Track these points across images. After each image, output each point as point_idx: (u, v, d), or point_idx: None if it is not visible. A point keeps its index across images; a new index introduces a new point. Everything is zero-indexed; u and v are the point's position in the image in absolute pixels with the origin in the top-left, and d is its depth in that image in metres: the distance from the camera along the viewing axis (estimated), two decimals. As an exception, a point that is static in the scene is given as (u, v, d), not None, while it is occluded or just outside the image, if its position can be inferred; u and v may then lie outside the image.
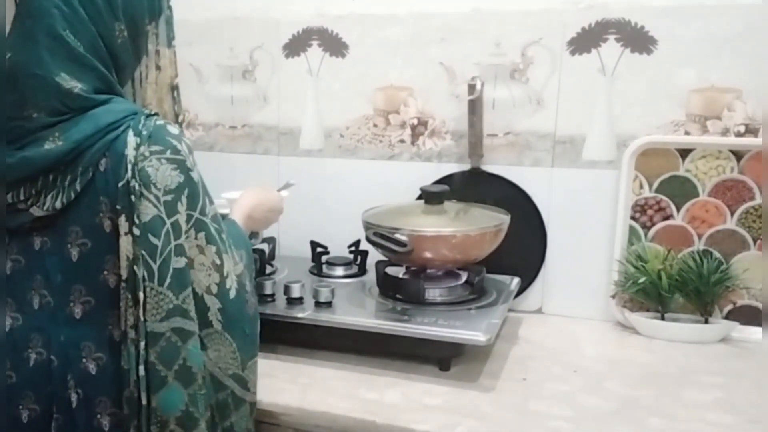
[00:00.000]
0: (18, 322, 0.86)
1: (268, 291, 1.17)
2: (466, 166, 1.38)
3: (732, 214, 1.23)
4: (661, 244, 1.26)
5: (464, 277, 1.23)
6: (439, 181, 1.38)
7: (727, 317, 1.24)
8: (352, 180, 1.47)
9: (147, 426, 0.80)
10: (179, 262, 0.81)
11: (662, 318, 1.25)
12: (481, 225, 1.19)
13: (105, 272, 0.83)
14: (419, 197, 1.31)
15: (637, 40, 1.24)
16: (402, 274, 1.25)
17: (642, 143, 1.25)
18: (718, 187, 1.23)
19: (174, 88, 0.95)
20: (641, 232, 1.28)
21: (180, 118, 0.95)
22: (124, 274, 0.80)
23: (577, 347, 1.20)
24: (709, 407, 0.97)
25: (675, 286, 1.22)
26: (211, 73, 1.58)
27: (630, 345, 1.21)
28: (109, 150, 0.81)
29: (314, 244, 1.40)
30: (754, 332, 1.21)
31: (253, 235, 1.28)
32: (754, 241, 1.22)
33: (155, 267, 0.79)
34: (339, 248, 1.38)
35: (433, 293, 1.18)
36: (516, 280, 1.29)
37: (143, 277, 0.79)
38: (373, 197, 1.34)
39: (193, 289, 0.83)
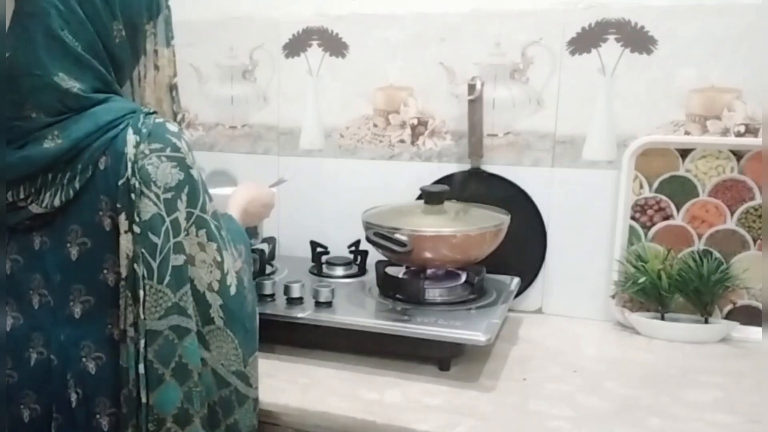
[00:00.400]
0: (18, 322, 0.86)
1: (268, 291, 1.17)
2: (466, 166, 1.38)
3: (732, 214, 1.23)
4: (661, 244, 1.26)
5: (464, 277, 1.23)
6: (439, 181, 1.38)
7: (727, 317, 1.24)
8: (352, 180, 1.47)
9: (145, 424, 0.80)
10: (178, 260, 0.81)
11: (662, 318, 1.25)
12: (481, 225, 1.19)
13: (104, 271, 0.83)
14: (419, 197, 1.31)
15: (637, 40, 1.24)
16: (402, 274, 1.25)
17: (642, 143, 1.25)
18: (718, 187, 1.23)
19: (173, 87, 0.95)
20: (641, 232, 1.28)
21: (179, 118, 0.95)
22: (123, 272, 0.80)
23: (577, 347, 1.20)
24: (709, 407, 0.97)
25: (675, 286, 1.22)
26: (211, 73, 1.58)
27: (630, 345, 1.21)
28: (108, 148, 0.81)
29: (314, 244, 1.40)
30: (754, 332, 1.21)
31: (254, 234, 1.29)
32: (754, 241, 1.22)
33: (155, 265, 0.79)
34: (339, 248, 1.38)
35: (433, 293, 1.18)
36: (516, 280, 1.29)
37: (143, 275, 0.79)
38: (373, 197, 1.34)
39: (195, 287, 0.83)
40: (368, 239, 1.19)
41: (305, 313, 1.12)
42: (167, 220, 0.80)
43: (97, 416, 0.84)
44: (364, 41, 1.43)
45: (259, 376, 0.92)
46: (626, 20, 1.24)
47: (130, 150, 0.80)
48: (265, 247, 1.29)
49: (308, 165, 1.51)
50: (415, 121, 1.42)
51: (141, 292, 0.79)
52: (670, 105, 1.24)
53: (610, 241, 1.29)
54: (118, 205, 0.80)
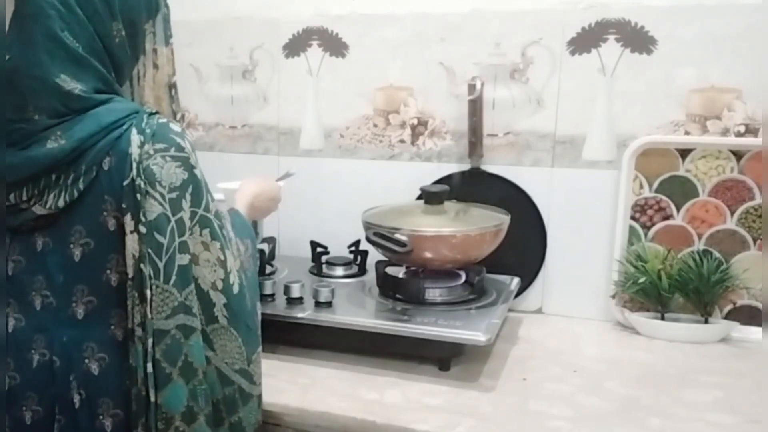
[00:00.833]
0: (21, 323, 0.86)
1: (268, 291, 1.17)
2: (466, 166, 1.38)
3: (732, 214, 1.23)
4: (661, 244, 1.26)
5: (464, 277, 1.23)
6: (439, 181, 1.38)
7: (727, 317, 1.24)
8: (352, 180, 1.47)
9: (154, 423, 0.81)
10: (183, 259, 0.81)
11: (662, 318, 1.25)
12: (481, 225, 1.19)
13: (108, 272, 0.83)
14: (419, 197, 1.31)
15: (637, 40, 1.24)
16: (402, 274, 1.25)
17: (642, 143, 1.25)
18: (718, 187, 1.23)
19: (172, 86, 0.94)
20: (641, 232, 1.28)
21: (178, 117, 0.95)
22: (130, 272, 0.80)
23: (577, 347, 1.20)
24: (709, 407, 0.97)
25: (675, 286, 1.22)
26: (211, 73, 1.58)
27: (630, 345, 1.21)
28: (112, 149, 0.81)
29: (314, 244, 1.40)
30: (754, 332, 1.21)
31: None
32: (754, 241, 1.22)
33: (161, 265, 0.80)
34: (339, 248, 1.38)
35: (433, 293, 1.18)
36: (516, 280, 1.29)
37: (149, 275, 0.79)
38: (373, 197, 1.34)
39: (199, 286, 0.83)
40: (368, 239, 1.19)
41: (305, 313, 1.12)
42: (172, 219, 0.80)
43: (101, 417, 0.83)
44: (364, 41, 1.43)
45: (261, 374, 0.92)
46: (626, 20, 1.24)
47: (134, 150, 0.80)
48: (265, 247, 1.29)
49: (308, 165, 1.51)
50: (415, 121, 1.42)
51: (148, 292, 0.79)
52: (670, 105, 1.24)
53: (610, 241, 1.29)
54: (124, 206, 0.80)
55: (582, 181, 1.31)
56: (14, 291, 0.86)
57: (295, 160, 1.51)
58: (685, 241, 1.26)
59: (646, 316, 1.25)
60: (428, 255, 1.18)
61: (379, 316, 1.13)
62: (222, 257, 0.85)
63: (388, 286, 1.21)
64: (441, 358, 1.09)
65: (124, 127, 0.81)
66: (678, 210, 1.26)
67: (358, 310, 1.16)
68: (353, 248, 1.37)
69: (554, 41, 1.29)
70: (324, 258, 1.37)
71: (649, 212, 1.27)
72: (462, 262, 1.22)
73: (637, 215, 1.28)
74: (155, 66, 0.92)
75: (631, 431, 0.91)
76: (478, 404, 0.98)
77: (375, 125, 1.45)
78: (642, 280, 1.23)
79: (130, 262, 0.80)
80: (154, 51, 0.91)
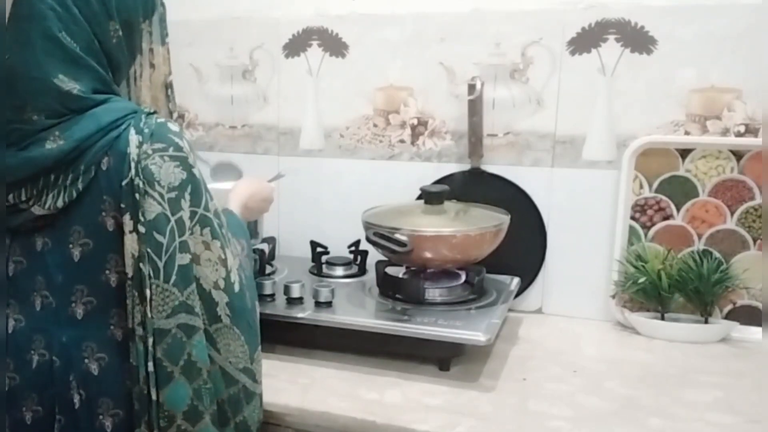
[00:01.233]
0: (20, 324, 0.86)
1: (268, 291, 1.17)
2: (466, 166, 1.38)
3: (732, 214, 1.23)
4: (661, 244, 1.26)
5: (464, 277, 1.23)
6: (439, 181, 1.38)
7: (727, 317, 1.24)
8: (352, 180, 1.47)
9: (157, 421, 0.81)
10: (184, 259, 0.81)
11: (662, 318, 1.25)
12: (481, 225, 1.19)
13: (107, 271, 0.83)
14: (419, 197, 1.31)
15: (637, 40, 1.24)
16: (402, 274, 1.25)
17: (642, 143, 1.25)
18: (718, 187, 1.23)
19: (168, 86, 0.95)
20: (641, 232, 1.28)
21: (174, 116, 0.95)
22: (129, 272, 0.80)
23: (577, 347, 1.20)
24: (709, 407, 0.97)
25: (675, 286, 1.22)
26: (211, 73, 1.58)
27: (630, 345, 1.21)
28: (111, 148, 0.81)
29: (314, 244, 1.40)
30: (754, 332, 1.21)
31: (254, 234, 1.29)
32: (754, 241, 1.22)
33: (161, 264, 0.80)
34: (339, 248, 1.38)
35: (433, 293, 1.18)
36: (516, 280, 1.29)
37: (149, 274, 0.79)
38: (373, 197, 1.34)
39: (201, 285, 0.83)
40: (368, 239, 1.19)
41: (305, 313, 1.12)
42: (172, 219, 0.80)
43: (101, 417, 0.84)
44: (364, 41, 1.43)
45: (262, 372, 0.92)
46: (626, 20, 1.24)
47: (133, 150, 0.80)
48: (265, 247, 1.29)
49: (308, 165, 1.51)
50: (415, 121, 1.42)
51: (148, 291, 0.79)
52: (670, 105, 1.24)
53: (610, 241, 1.29)
54: (122, 205, 0.80)
55: (582, 181, 1.31)
56: (15, 291, 0.86)
57: (295, 160, 1.51)
58: (685, 241, 1.26)
59: (646, 316, 1.25)
60: (428, 255, 1.18)
61: (379, 316, 1.13)
62: (223, 256, 0.85)
63: (388, 286, 1.21)
64: (441, 358, 1.09)
65: (123, 127, 0.81)
66: (678, 210, 1.26)
67: (358, 310, 1.17)
68: (353, 248, 1.36)
69: (554, 41, 1.29)
70: (324, 258, 1.37)
71: (649, 212, 1.27)
72: (462, 262, 1.22)
73: (637, 215, 1.28)
74: (152, 65, 0.92)
75: (631, 431, 0.91)
76: (478, 404, 0.98)
77: (375, 125, 1.45)
78: (642, 280, 1.23)
79: (129, 261, 0.80)
80: (151, 51, 0.92)
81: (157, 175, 0.80)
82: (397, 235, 1.15)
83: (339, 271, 1.34)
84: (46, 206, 0.82)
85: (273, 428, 0.98)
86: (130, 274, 0.80)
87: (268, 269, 1.33)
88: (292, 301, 1.15)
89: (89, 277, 0.83)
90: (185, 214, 0.81)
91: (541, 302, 1.37)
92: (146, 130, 0.81)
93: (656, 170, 1.26)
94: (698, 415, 0.95)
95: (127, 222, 0.80)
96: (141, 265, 0.79)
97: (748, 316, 1.23)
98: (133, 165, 0.80)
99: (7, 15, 0.83)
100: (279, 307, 1.15)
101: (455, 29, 1.35)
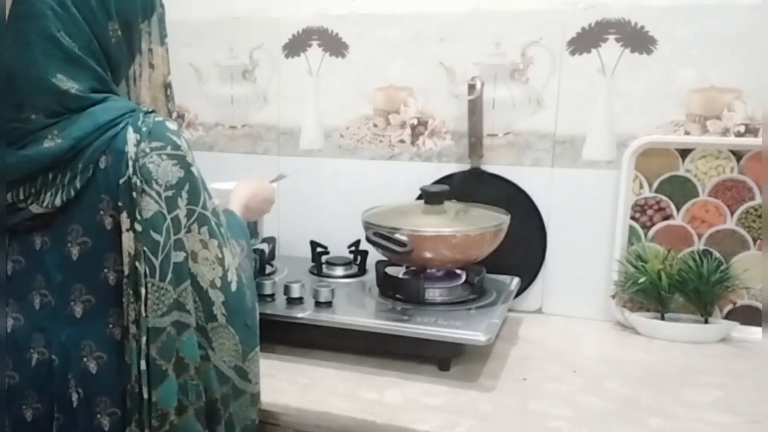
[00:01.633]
0: (20, 323, 0.86)
1: (268, 291, 1.17)
2: (466, 166, 1.38)
3: (732, 214, 1.23)
4: (661, 244, 1.26)
5: (464, 277, 1.23)
6: (439, 181, 1.38)
7: (727, 317, 1.24)
8: (352, 180, 1.47)
9: (148, 420, 0.81)
10: (178, 257, 0.81)
11: (662, 318, 1.25)
12: (481, 225, 1.19)
13: (105, 270, 0.83)
14: (419, 197, 1.31)
15: (637, 40, 1.24)
16: (402, 274, 1.25)
17: (642, 143, 1.25)
18: (718, 187, 1.23)
19: (167, 86, 0.95)
20: (641, 232, 1.28)
21: (174, 116, 0.95)
22: (126, 270, 0.81)
23: (577, 347, 1.20)
24: (709, 407, 0.97)
25: (675, 286, 1.22)
26: (211, 73, 1.58)
27: (630, 345, 1.21)
28: (109, 147, 0.81)
29: (314, 244, 1.40)
30: (754, 332, 1.21)
31: (254, 234, 1.29)
32: (754, 241, 1.22)
33: (157, 263, 0.80)
34: (339, 248, 1.38)
35: (433, 293, 1.18)
36: (516, 280, 1.29)
37: (145, 273, 0.79)
38: (373, 197, 1.34)
39: (198, 284, 0.83)
40: (368, 239, 1.19)
41: (305, 313, 1.12)
42: (168, 217, 0.81)
43: (98, 416, 0.84)
44: (364, 41, 1.43)
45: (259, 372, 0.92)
46: (626, 20, 1.24)
47: (130, 149, 0.80)
48: (265, 247, 1.29)
49: (308, 165, 1.51)
50: (415, 121, 1.42)
51: (143, 290, 0.80)
52: (670, 105, 1.24)
53: (610, 241, 1.29)
54: (120, 204, 0.80)
55: (582, 181, 1.31)
56: (14, 290, 0.86)
57: (295, 160, 1.51)
58: (685, 241, 1.26)
59: (646, 316, 1.25)
60: (428, 255, 1.18)
61: (379, 316, 1.13)
62: (220, 255, 0.85)
63: (388, 286, 1.21)
64: (441, 358, 1.09)
65: (121, 125, 0.81)
66: (678, 210, 1.26)
67: (358, 310, 1.16)
68: (353, 248, 1.36)
69: (554, 41, 1.29)
70: (324, 258, 1.37)
71: (649, 212, 1.27)
72: (462, 262, 1.22)
73: (637, 215, 1.28)
74: (151, 65, 0.92)
75: (631, 431, 0.91)
76: (478, 404, 0.98)
77: (375, 125, 1.45)
78: (642, 280, 1.23)
79: (126, 260, 0.80)
80: (150, 51, 0.91)
81: (155, 174, 0.80)
82: (397, 235, 1.15)
83: (339, 271, 1.34)
84: (44, 205, 0.82)
85: (273, 428, 0.98)
86: (126, 273, 0.81)
87: (268, 269, 1.33)
88: (292, 301, 1.15)
89: (88, 275, 0.83)
90: (181, 212, 0.81)
91: (541, 302, 1.37)
92: (144, 129, 0.81)
93: (656, 170, 1.26)
94: (698, 415, 0.95)
95: (125, 220, 0.80)
96: (137, 263, 0.80)
97: (748, 316, 1.23)
98: (130, 163, 0.80)
99: (6, 14, 0.83)
100: (279, 307, 1.15)
101: (455, 29, 1.36)
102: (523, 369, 1.10)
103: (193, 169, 0.83)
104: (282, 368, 1.09)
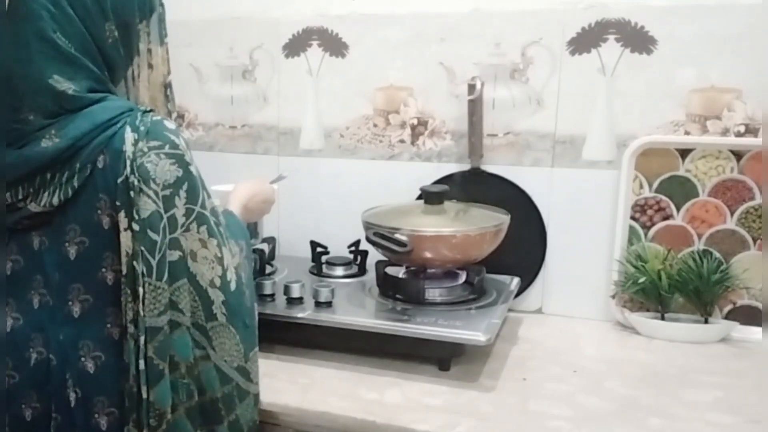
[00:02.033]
0: (18, 322, 0.86)
1: (268, 291, 1.17)
2: (466, 166, 1.38)
3: (732, 214, 1.23)
4: (661, 244, 1.26)
5: (464, 277, 1.23)
6: (439, 181, 1.38)
7: (727, 317, 1.24)
8: (352, 180, 1.47)
9: (147, 419, 0.81)
10: (173, 256, 0.81)
11: (662, 318, 1.25)
12: (481, 225, 1.19)
13: (103, 270, 0.83)
14: (419, 197, 1.31)
15: (637, 40, 1.24)
16: (402, 274, 1.25)
17: (642, 143, 1.25)
18: (718, 187, 1.23)
19: (167, 86, 0.94)
20: (641, 232, 1.28)
21: (173, 116, 0.95)
22: (123, 269, 0.81)
23: (577, 347, 1.20)
24: (709, 407, 0.97)
25: (675, 286, 1.22)
26: (211, 73, 1.58)
27: (630, 345, 1.21)
28: (106, 147, 0.81)
29: (314, 244, 1.40)
30: (754, 332, 1.21)
31: (254, 234, 1.29)
32: (754, 241, 1.22)
33: (154, 262, 0.80)
34: (339, 248, 1.38)
35: (433, 293, 1.18)
36: (516, 280, 1.29)
37: (142, 272, 0.79)
38: (373, 197, 1.34)
39: (198, 283, 0.83)
40: (368, 239, 1.19)
41: (305, 313, 1.12)
42: (165, 216, 0.81)
43: (96, 415, 0.84)
44: (364, 41, 1.43)
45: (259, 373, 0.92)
46: (626, 20, 1.24)
47: (128, 148, 0.80)
48: (265, 247, 1.29)
49: (308, 165, 1.51)
50: (415, 121, 1.42)
51: (140, 289, 0.80)
52: (670, 105, 1.24)
53: (610, 241, 1.29)
54: (117, 203, 0.80)
55: (582, 181, 1.31)
56: (12, 290, 0.86)
57: (295, 160, 1.52)
58: (685, 241, 1.26)
59: (646, 316, 1.25)
60: (428, 255, 1.18)
61: (379, 316, 1.13)
62: (219, 254, 0.85)
63: (388, 286, 1.21)
64: (441, 358, 1.09)
65: (119, 125, 0.81)
66: (678, 210, 1.26)
67: (358, 310, 1.16)
68: (353, 248, 1.36)
69: (554, 41, 1.29)
70: (324, 258, 1.37)
71: (649, 212, 1.27)
72: (462, 262, 1.22)
73: (637, 215, 1.28)
74: (150, 66, 0.92)
75: (631, 431, 0.91)
76: (478, 404, 0.98)
77: (375, 125, 1.45)
78: (642, 280, 1.23)
79: (123, 259, 0.80)
80: (149, 51, 0.91)
81: (153, 173, 0.80)
82: (397, 235, 1.15)
83: (339, 271, 1.34)
84: (42, 204, 0.82)
85: (273, 428, 0.98)
86: (123, 272, 0.81)
87: (268, 269, 1.33)
88: (292, 301, 1.15)
89: (86, 275, 0.83)
90: (179, 212, 0.81)
91: (541, 302, 1.37)
92: (142, 128, 0.81)
93: (656, 170, 1.26)
94: (698, 415, 0.95)
95: (122, 220, 0.80)
96: (135, 263, 0.80)
97: (748, 316, 1.23)
98: (128, 163, 0.79)
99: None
100: (279, 307, 1.15)
101: (455, 29, 1.36)
102: (523, 369, 1.10)
103: (192, 168, 0.83)
104: (282, 368, 1.09)
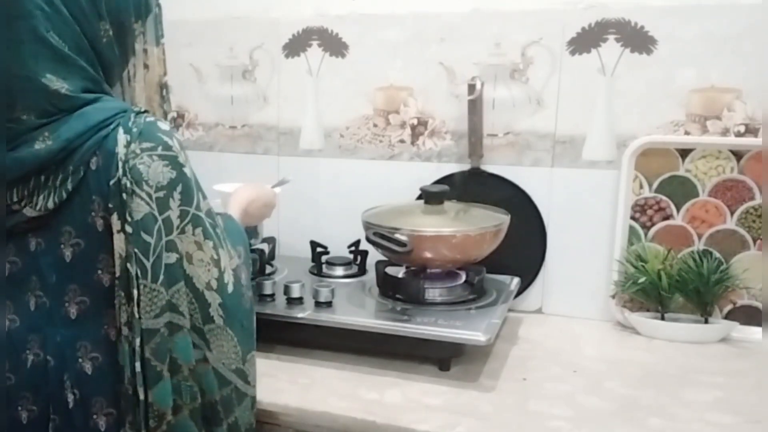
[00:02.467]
0: (15, 324, 0.86)
1: (268, 291, 1.17)
2: (466, 166, 1.38)
3: (732, 214, 1.23)
4: (661, 244, 1.26)
5: (464, 277, 1.23)
6: (439, 181, 1.38)
7: (727, 317, 1.24)
8: (352, 180, 1.47)
9: (145, 420, 0.81)
10: (170, 258, 0.81)
11: (662, 318, 1.25)
12: (481, 225, 1.19)
13: (99, 271, 0.83)
14: (419, 197, 1.31)
15: (637, 40, 1.24)
16: (402, 274, 1.25)
17: (642, 143, 1.25)
18: (718, 187, 1.23)
19: (163, 86, 0.94)
20: (641, 232, 1.28)
21: (169, 117, 0.94)
22: (117, 272, 0.80)
23: (577, 347, 1.20)
24: (709, 407, 0.97)
25: (675, 286, 1.22)
26: (211, 73, 1.58)
27: (630, 345, 1.21)
28: (99, 148, 0.80)
29: (314, 244, 1.40)
30: (754, 332, 1.21)
31: (254, 234, 1.29)
32: (754, 241, 1.22)
33: (148, 264, 0.79)
34: (339, 248, 1.38)
35: (433, 293, 1.18)
36: (516, 280, 1.29)
37: (136, 274, 0.79)
38: (373, 197, 1.34)
39: (194, 285, 0.83)
40: (368, 239, 1.19)
41: (305, 313, 1.12)
42: (159, 219, 0.80)
43: (94, 416, 0.83)
44: (364, 41, 1.43)
45: (257, 376, 0.91)
46: (626, 20, 1.24)
47: (121, 150, 0.79)
48: (265, 247, 1.29)
49: (308, 165, 1.51)
50: (415, 121, 1.42)
51: (135, 292, 0.79)
52: (670, 105, 1.24)
53: (610, 241, 1.29)
54: (110, 205, 0.79)
55: (582, 181, 1.31)
56: (10, 292, 0.86)
57: (295, 160, 1.52)
58: (685, 241, 1.26)
59: (646, 316, 1.25)
60: (428, 255, 1.18)
61: (379, 316, 1.13)
62: (215, 256, 0.84)
63: (388, 286, 1.21)
64: (441, 358, 1.09)
65: (112, 126, 0.81)
66: (678, 210, 1.26)
67: (358, 310, 1.16)
68: (353, 248, 1.36)
69: (554, 41, 1.29)
70: (324, 258, 1.37)
71: (649, 212, 1.27)
72: (462, 262, 1.22)
73: (637, 215, 1.28)
74: (146, 66, 0.91)
75: (631, 431, 0.91)
76: (478, 404, 0.98)
77: (375, 125, 1.45)
78: (642, 280, 1.23)
79: (117, 261, 0.80)
80: (145, 51, 0.91)
81: (146, 175, 0.79)
82: (397, 235, 1.15)
83: (339, 271, 1.34)
84: (38, 208, 0.81)
85: (273, 428, 0.98)
86: (117, 274, 0.80)
87: (268, 269, 1.33)
88: (292, 301, 1.15)
89: (81, 277, 0.83)
90: (174, 214, 0.81)
91: (541, 302, 1.37)
92: (135, 129, 0.80)
93: (656, 170, 1.26)
94: (698, 415, 0.95)
95: (115, 222, 0.79)
96: (128, 265, 0.79)
97: (748, 316, 1.23)
98: (120, 164, 0.79)
99: None
100: (279, 307, 1.15)
101: (455, 29, 1.36)
102: (523, 369, 1.10)
103: (186, 169, 0.83)
104: (282, 368, 1.09)
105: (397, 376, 1.06)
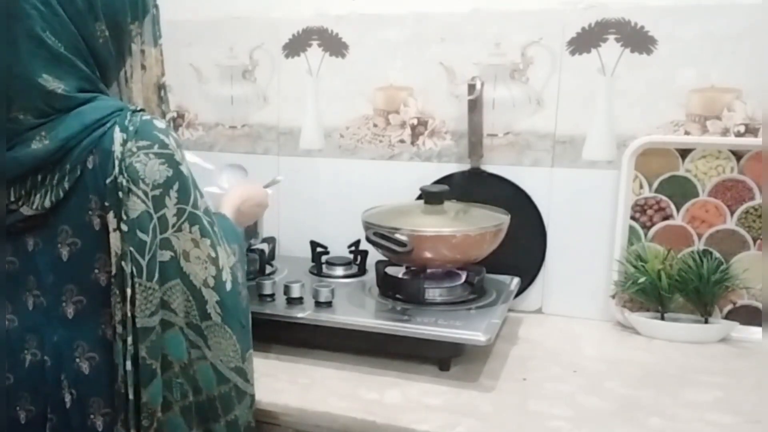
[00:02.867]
0: (13, 324, 0.86)
1: (268, 291, 1.17)
2: (466, 166, 1.38)
3: (732, 214, 1.23)
4: (661, 244, 1.26)
5: (464, 277, 1.23)
6: (439, 181, 1.38)
7: (727, 317, 1.24)
8: (352, 180, 1.47)
9: (137, 419, 0.81)
10: (164, 256, 0.81)
11: (662, 318, 1.25)
12: (481, 225, 1.19)
13: (96, 271, 0.83)
14: (419, 197, 1.31)
15: (637, 40, 1.24)
16: (402, 274, 1.25)
17: (642, 143, 1.25)
18: (718, 187, 1.23)
19: (161, 87, 0.94)
20: (641, 232, 1.28)
21: (167, 117, 0.94)
22: (113, 270, 0.80)
23: (577, 347, 1.20)
24: (709, 407, 0.97)
25: (675, 286, 1.22)
26: (211, 73, 1.57)
27: (630, 345, 1.21)
28: (96, 147, 0.80)
29: (314, 244, 1.40)
30: (754, 332, 1.21)
31: (254, 234, 1.29)
32: (754, 241, 1.22)
33: (144, 263, 0.79)
34: (339, 248, 1.38)
35: (433, 293, 1.18)
36: (516, 280, 1.29)
37: (131, 273, 0.79)
38: (373, 197, 1.34)
39: (191, 282, 0.83)
40: (368, 239, 1.19)
41: (305, 313, 1.12)
42: (155, 217, 0.80)
43: (92, 416, 0.84)
44: (364, 41, 1.43)
45: (256, 376, 0.92)
46: (626, 20, 1.24)
47: (117, 148, 0.79)
48: (265, 247, 1.29)
49: (308, 165, 1.51)
50: (415, 121, 1.42)
51: (129, 290, 0.79)
52: (670, 105, 1.24)
53: (610, 241, 1.29)
54: (107, 204, 0.80)
55: (582, 181, 1.31)
56: (7, 291, 0.86)
57: (295, 160, 1.52)
58: (685, 241, 1.26)
59: (646, 316, 1.25)
60: (428, 255, 1.18)
61: (379, 316, 1.13)
62: (213, 254, 0.84)
63: (388, 286, 1.21)
64: (441, 358, 1.09)
65: (108, 125, 0.81)
66: (678, 210, 1.26)
67: (358, 310, 1.16)
68: (353, 248, 1.36)
69: (554, 41, 1.29)
70: (324, 258, 1.37)
71: (649, 212, 1.27)
72: (462, 262, 1.22)
73: (637, 215, 1.28)
74: (143, 67, 0.91)
75: (631, 431, 0.91)
76: (478, 404, 0.98)
77: (375, 125, 1.45)
78: (642, 280, 1.23)
79: (113, 260, 0.80)
80: (142, 52, 0.91)
81: (142, 173, 0.79)
82: (397, 235, 1.15)
83: (339, 271, 1.34)
84: (34, 206, 0.81)
85: (273, 428, 0.98)
86: (113, 273, 0.80)
87: (268, 269, 1.33)
88: (292, 301, 1.15)
89: (78, 276, 0.83)
90: (170, 212, 0.81)
91: (541, 302, 1.37)
92: (131, 128, 0.81)
93: (656, 170, 1.26)
94: (698, 415, 0.95)
95: (111, 220, 0.80)
96: (123, 263, 0.79)
97: (748, 316, 1.23)
98: (117, 163, 0.79)
99: None
100: (279, 307, 1.15)
101: (455, 29, 1.35)
102: (523, 369, 1.10)
103: (182, 167, 0.83)
104: (282, 368, 1.09)
105: (397, 376, 1.06)
